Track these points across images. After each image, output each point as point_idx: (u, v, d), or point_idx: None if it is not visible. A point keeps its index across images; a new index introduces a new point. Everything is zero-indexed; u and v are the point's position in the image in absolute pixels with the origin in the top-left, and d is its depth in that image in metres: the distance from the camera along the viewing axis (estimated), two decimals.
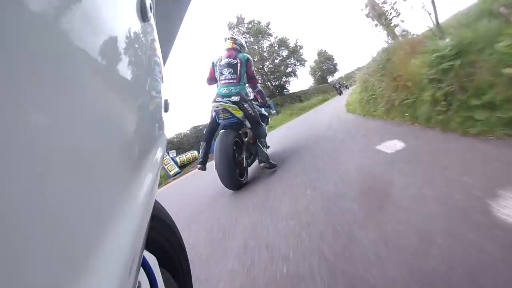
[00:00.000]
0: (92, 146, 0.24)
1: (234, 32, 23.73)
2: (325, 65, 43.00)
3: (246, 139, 2.54)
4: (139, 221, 0.30)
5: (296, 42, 28.53)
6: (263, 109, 3.13)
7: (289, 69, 27.52)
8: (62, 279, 0.17)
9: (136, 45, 0.43)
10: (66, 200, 0.19)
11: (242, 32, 24.37)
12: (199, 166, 2.59)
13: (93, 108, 0.25)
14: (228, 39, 2.79)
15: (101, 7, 0.30)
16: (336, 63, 44.12)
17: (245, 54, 2.68)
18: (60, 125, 0.19)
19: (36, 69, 0.18)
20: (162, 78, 0.68)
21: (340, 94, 19.02)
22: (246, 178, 2.49)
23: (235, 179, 2.26)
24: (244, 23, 24.77)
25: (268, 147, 2.81)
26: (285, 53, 27.12)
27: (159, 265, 0.51)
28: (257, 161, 2.67)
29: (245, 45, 2.88)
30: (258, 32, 24.28)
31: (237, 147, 2.44)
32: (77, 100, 0.22)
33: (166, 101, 0.71)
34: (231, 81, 2.49)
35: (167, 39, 0.99)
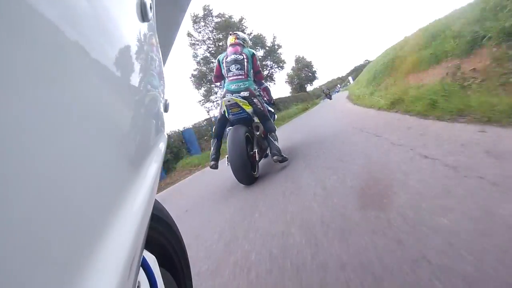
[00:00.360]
0: (92, 146, 0.24)
1: (199, 27, 21.15)
2: (303, 73, 39.75)
3: (258, 133, 2.54)
4: (139, 220, 0.30)
5: (274, 41, 23.60)
6: (269, 105, 3.12)
7: (265, 72, 22.85)
8: (62, 279, 0.17)
9: (136, 45, 0.43)
10: (66, 199, 0.19)
11: (210, 28, 20.94)
12: (212, 163, 2.55)
13: (93, 108, 0.25)
14: (230, 34, 2.81)
15: (101, 7, 0.30)
16: (315, 71, 40.56)
17: (250, 49, 2.68)
18: (61, 125, 0.19)
19: (36, 69, 0.17)
20: (162, 78, 0.68)
21: (330, 98, 21.08)
22: (258, 173, 2.48)
23: (249, 173, 2.27)
24: (212, 16, 21.06)
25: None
26: (260, 53, 22.88)
27: (159, 265, 0.51)
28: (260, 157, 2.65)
29: (247, 39, 2.89)
30: (228, 26, 20.30)
31: (247, 142, 2.42)
32: (77, 100, 0.22)
33: (166, 101, 0.71)
34: (239, 77, 2.51)
35: (167, 39, 0.99)
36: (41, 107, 0.17)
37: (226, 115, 2.49)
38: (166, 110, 0.71)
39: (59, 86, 0.20)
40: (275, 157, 2.42)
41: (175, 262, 0.61)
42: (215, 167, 2.55)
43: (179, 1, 0.96)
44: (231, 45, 2.69)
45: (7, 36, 0.15)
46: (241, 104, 2.39)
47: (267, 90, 3.07)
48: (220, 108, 2.55)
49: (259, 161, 2.64)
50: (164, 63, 0.93)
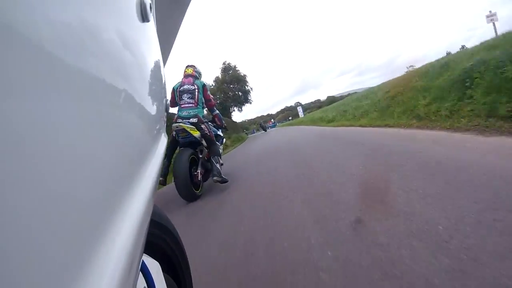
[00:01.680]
0: (92, 147, 0.24)
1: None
2: (231, 89, 24.48)
3: (201, 156, 2.88)
4: (139, 222, 0.30)
5: None
6: (219, 130, 3.49)
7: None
8: (59, 282, 0.16)
9: (136, 45, 0.42)
10: (65, 200, 0.18)
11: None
12: (160, 179, 2.95)
13: (93, 109, 0.25)
14: (189, 66, 3.17)
15: (101, 7, 0.30)
16: (249, 90, 25.05)
17: (201, 81, 3.04)
18: (61, 125, 0.19)
19: (36, 70, 0.17)
20: (162, 78, 0.67)
21: (265, 130, 21.85)
22: (201, 191, 2.78)
23: (191, 191, 2.55)
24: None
25: (222, 164, 3.12)
26: None
27: (162, 271, 0.50)
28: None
29: (201, 73, 3.28)
30: None
31: (193, 163, 2.75)
32: (77, 101, 0.22)
33: (166, 101, 0.71)
34: (190, 105, 2.85)
35: (167, 39, 0.99)
36: (42, 108, 0.17)
37: (176, 138, 2.81)
38: (166, 110, 0.71)
39: (58, 87, 0.20)
40: (215, 178, 2.70)
41: (175, 265, 0.61)
42: (163, 183, 2.89)
43: (179, 1, 0.95)
44: (186, 76, 3.03)
45: (6, 37, 0.15)
46: (188, 129, 2.70)
47: (218, 116, 3.47)
48: (172, 132, 2.84)
49: (204, 181, 2.95)
50: (164, 63, 0.92)
